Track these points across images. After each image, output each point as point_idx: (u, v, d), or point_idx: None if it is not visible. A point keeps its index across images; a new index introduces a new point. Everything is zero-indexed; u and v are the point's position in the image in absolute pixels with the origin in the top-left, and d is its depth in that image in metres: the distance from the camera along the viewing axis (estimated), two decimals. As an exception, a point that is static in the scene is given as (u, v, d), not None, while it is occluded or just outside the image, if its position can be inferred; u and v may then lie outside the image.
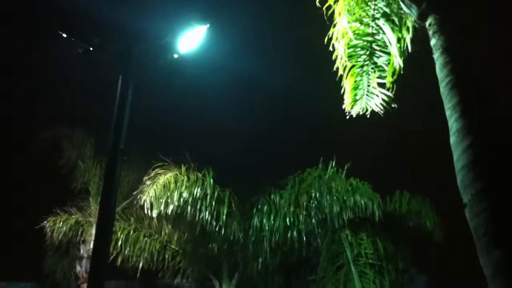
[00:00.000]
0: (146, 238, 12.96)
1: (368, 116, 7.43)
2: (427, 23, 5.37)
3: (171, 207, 11.65)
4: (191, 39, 7.34)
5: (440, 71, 4.98)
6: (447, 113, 4.75)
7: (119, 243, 12.66)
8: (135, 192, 12.47)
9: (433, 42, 5.22)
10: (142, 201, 11.86)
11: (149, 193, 11.83)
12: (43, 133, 14.86)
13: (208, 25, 7.33)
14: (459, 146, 4.43)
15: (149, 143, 13.95)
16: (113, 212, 7.23)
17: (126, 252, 12.68)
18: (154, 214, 11.81)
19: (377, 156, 16.19)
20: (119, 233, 12.70)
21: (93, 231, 13.16)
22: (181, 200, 11.68)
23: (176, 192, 11.74)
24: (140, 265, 12.69)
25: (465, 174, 4.28)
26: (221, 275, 12.49)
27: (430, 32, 5.29)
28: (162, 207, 11.67)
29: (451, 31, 5.11)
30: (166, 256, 12.80)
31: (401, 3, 5.67)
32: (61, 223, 13.87)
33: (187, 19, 7.25)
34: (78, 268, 14.28)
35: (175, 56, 7.29)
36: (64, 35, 7.03)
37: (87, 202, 14.61)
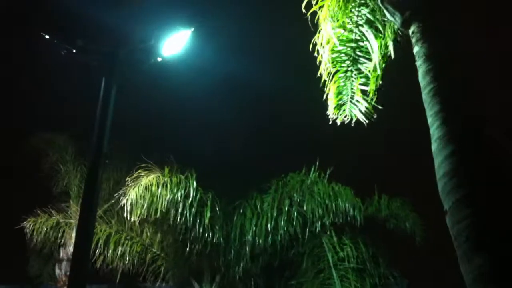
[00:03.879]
0: (127, 241, 12.85)
1: (352, 124, 7.50)
2: (410, 31, 5.43)
3: (152, 210, 11.55)
4: (175, 43, 7.32)
5: (423, 79, 5.04)
6: (429, 120, 4.80)
7: (100, 245, 12.55)
8: (116, 194, 12.32)
9: (416, 49, 5.28)
10: (122, 203, 11.73)
11: (130, 195, 11.71)
12: (24, 145, 14.74)
13: (192, 29, 7.32)
14: (441, 154, 4.48)
15: (132, 146, 13.89)
16: (94, 215, 7.17)
17: (106, 255, 12.56)
18: (133, 217, 11.67)
19: (359, 157, 16.30)
20: (99, 236, 12.58)
21: (74, 234, 13.06)
22: (164, 202, 11.58)
23: (158, 195, 11.65)
24: (121, 268, 12.58)
25: (446, 182, 4.32)
26: (202, 278, 12.44)
27: (413, 40, 5.35)
28: (143, 210, 11.55)
29: (433, 39, 5.17)
30: (147, 260, 12.71)
31: (384, 10, 5.73)
32: (42, 223, 13.74)
33: (172, 22, 7.23)
34: (57, 271, 14.15)
35: (159, 59, 7.27)
36: (47, 37, 6.97)
37: (67, 204, 14.50)
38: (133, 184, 11.89)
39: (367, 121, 7.36)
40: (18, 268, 15.29)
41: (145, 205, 11.54)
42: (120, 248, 12.59)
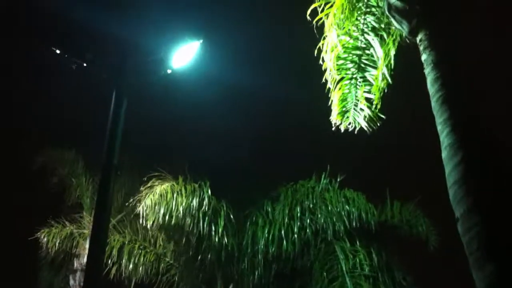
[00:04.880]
0: (140, 250, 12.90)
1: (356, 132, 7.52)
2: (418, 39, 5.44)
3: (167, 217, 11.60)
4: (184, 55, 7.40)
5: (431, 86, 5.04)
6: (439, 127, 4.81)
7: (113, 255, 12.60)
8: (131, 200, 12.36)
9: (424, 57, 5.29)
10: (138, 210, 11.80)
11: (145, 202, 11.79)
12: (33, 162, 14.93)
13: (201, 41, 7.39)
14: (451, 161, 4.48)
15: (143, 156, 13.98)
16: (107, 226, 7.24)
17: (120, 265, 12.62)
18: (149, 224, 11.74)
19: (369, 163, 16.23)
20: (113, 246, 12.64)
21: (87, 245, 13.13)
22: (179, 210, 11.63)
23: (173, 203, 11.71)
24: (134, 278, 12.62)
25: (457, 189, 4.32)
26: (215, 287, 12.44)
27: (421, 48, 5.36)
28: (159, 218, 11.61)
29: (441, 47, 5.18)
30: (160, 269, 12.73)
31: (391, 18, 5.74)
32: (55, 234, 13.83)
33: (181, 34, 7.30)
34: (71, 281, 14.21)
35: (169, 71, 7.35)
36: (58, 51, 7.07)
37: (81, 215, 14.60)
38: (148, 192, 11.97)
39: (370, 129, 7.38)
40: (29, 279, 15.39)
41: (161, 212, 11.61)
42: (133, 258, 12.64)
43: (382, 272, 11.27)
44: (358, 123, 7.46)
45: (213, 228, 11.80)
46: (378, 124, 7.31)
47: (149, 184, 12.15)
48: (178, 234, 12.38)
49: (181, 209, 11.66)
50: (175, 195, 11.84)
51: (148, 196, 11.84)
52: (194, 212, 11.74)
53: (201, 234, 11.76)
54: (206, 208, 11.84)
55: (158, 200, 11.74)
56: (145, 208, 11.71)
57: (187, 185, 12.10)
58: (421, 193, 12.68)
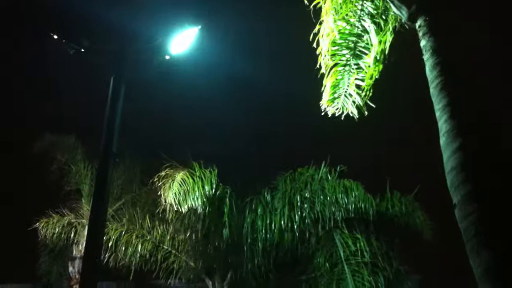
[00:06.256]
0: (138, 239, 12.90)
1: (342, 118, 7.50)
2: (417, 25, 5.40)
3: (199, 201, 11.61)
4: (182, 41, 7.36)
5: (430, 73, 5.00)
6: (437, 114, 4.77)
7: (111, 243, 12.61)
8: (159, 193, 12.26)
9: (423, 43, 5.25)
10: (168, 198, 11.74)
11: (172, 189, 11.76)
12: (34, 146, 14.85)
13: (199, 27, 7.35)
14: (449, 148, 4.45)
15: (141, 145, 13.95)
16: (104, 214, 7.23)
17: (118, 253, 12.63)
18: (185, 209, 11.71)
19: (368, 154, 16.24)
20: (111, 234, 12.65)
21: (86, 232, 13.15)
22: (197, 197, 11.65)
23: (196, 188, 11.73)
24: (133, 266, 12.64)
25: (454, 176, 4.30)
26: (214, 275, 12.48)
27: (420, 34, 5.32)
28: (191, 201, 11.60)
29: (440, 33, 5.14)
30: (159, 257, 12.75)
31: (391, 4, 5.69)
32: (54, 224, 13.83)
33: (179, 21, 7.26)
34: (70, 269, 14.26)
35: (167, 57, 7.31)
36: (56, 36, 7.03)
37: (79, 203, 14.59)
38: (170, 179, 11.95)
39: (357, 116, 7.35)
40: (28, 266, 15.44)
41: (191, 197, 11.62)
42: (130, 247, 12.65)
43: (382, 259, 11.32)
44: (347, 109, 7.43)
45: (218, 216, 11.85)
46: (366, 113, 7.29)
47: (163, 174, 12.14)
48: (180, 222, 12.38)
49: (198, 195, 11.69)
50: (196, 181, 11.85)
51: (173, 183, 11.82)
52: (208, 197, 11.78)
53: (205, 222, 11.80)
54: (215, 196, 11.89)
55: (183, 187, 11.75)
56: (172, 195, 11.67)
57: (203, 171, 12.10)
58: (420, 185, 12.70)
